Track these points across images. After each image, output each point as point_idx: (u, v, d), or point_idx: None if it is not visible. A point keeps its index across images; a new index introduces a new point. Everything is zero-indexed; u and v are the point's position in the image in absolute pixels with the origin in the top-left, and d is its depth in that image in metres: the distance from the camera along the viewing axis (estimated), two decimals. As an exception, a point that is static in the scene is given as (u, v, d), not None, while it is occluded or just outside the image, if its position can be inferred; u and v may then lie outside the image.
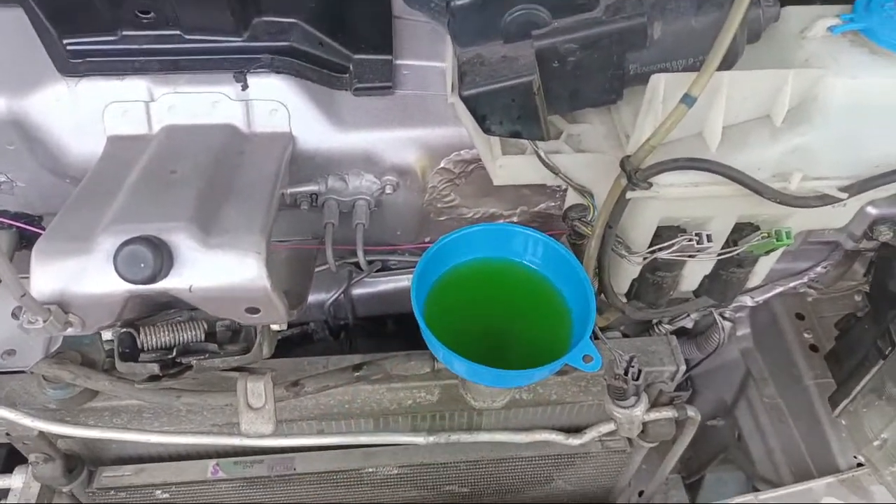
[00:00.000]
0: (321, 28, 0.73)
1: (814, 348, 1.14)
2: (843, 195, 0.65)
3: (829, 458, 1.06)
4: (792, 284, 1.02)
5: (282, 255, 0.87)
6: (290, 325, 1.05)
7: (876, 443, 0.93)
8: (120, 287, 0.57)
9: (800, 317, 1.16)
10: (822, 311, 1.18)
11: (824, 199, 0.65)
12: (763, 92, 0.62)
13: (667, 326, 1.07)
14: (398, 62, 0.76)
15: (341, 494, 0.94)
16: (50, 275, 0.58)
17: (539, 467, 0.97)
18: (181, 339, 0.68)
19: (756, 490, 1.17)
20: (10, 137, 0.73)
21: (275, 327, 0.69)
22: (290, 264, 0.85)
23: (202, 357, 0.65)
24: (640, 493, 1.25)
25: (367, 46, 0.74)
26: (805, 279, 1.02)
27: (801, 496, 0.99)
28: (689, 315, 1.06)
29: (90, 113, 0.72)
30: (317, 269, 0.86)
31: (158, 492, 0.92)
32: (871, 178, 0.65)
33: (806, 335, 1.14)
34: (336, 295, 0.97)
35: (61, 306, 0.58)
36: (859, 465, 1.03)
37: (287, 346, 1.03)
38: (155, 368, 0.64)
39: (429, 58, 0.77)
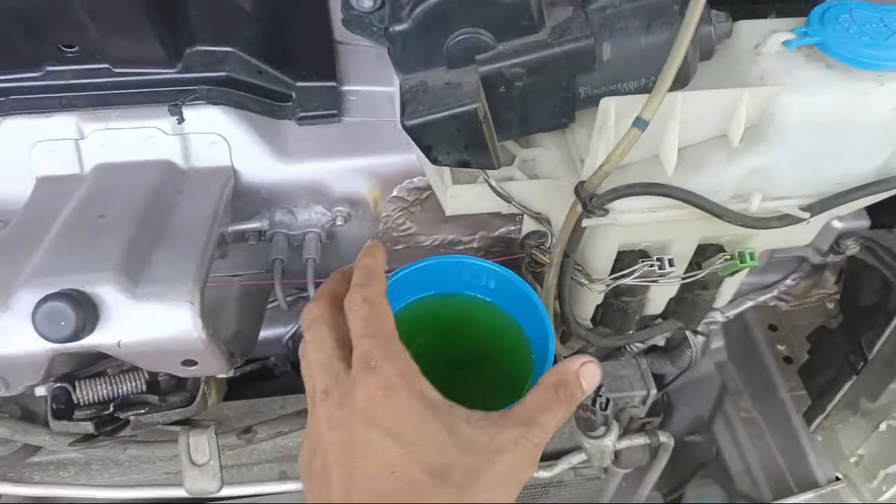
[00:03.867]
0: (259, 56, 0.69)
1: (788, 360, 1.12)
2: (805, 215, 0.63)
3: (807, 472, 1.04)
4: (762, 298, 0.99)
5: (234, 292, 0.83)
6: (249, 361, 1.02)
7: (853, 459, 0.91)
8: (42, 346, 0.52)
9: (772, 328, 1.14)
10: (794, 320, 1.16)
11: (786, 220, 0.63)
12: (718, 111, 0.59)
13: (638, 345, 1.04)
14: (344, 88, 0.73)
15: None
16: (-33, 335, 0.53)
17: (511, 498, 0.93)
18: (119, 391, 0.64)
19: (736, 508, 1.15)
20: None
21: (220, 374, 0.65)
22: (242, 302, 0.81)
23: (141, 412, 0.61)
24: (620, 513, 1.22)
25: (309, 73, 0.71)
26: (775, 292, 0.99)
27: (781, 515, 0.97)
28: (659, 334, 1.04)
29: (17, 154, 0.68)
30: (271, 305, 0.82)
31: (114, 545, 0.87)
32: (832, 196, 0.62)
33: (779, 347, 1.12)
34: (295, 328, 0.93)
35: (-19, 368, 0.54)
36: (837, 478, 1.01)
37: (246, 382, 0.99)
38: (89, 427, 0.60)
39: (376, 82, 0.74)
